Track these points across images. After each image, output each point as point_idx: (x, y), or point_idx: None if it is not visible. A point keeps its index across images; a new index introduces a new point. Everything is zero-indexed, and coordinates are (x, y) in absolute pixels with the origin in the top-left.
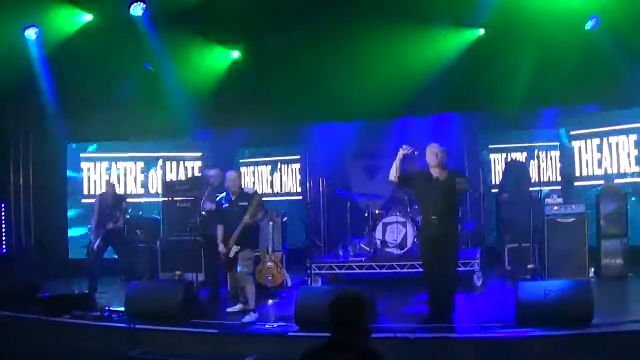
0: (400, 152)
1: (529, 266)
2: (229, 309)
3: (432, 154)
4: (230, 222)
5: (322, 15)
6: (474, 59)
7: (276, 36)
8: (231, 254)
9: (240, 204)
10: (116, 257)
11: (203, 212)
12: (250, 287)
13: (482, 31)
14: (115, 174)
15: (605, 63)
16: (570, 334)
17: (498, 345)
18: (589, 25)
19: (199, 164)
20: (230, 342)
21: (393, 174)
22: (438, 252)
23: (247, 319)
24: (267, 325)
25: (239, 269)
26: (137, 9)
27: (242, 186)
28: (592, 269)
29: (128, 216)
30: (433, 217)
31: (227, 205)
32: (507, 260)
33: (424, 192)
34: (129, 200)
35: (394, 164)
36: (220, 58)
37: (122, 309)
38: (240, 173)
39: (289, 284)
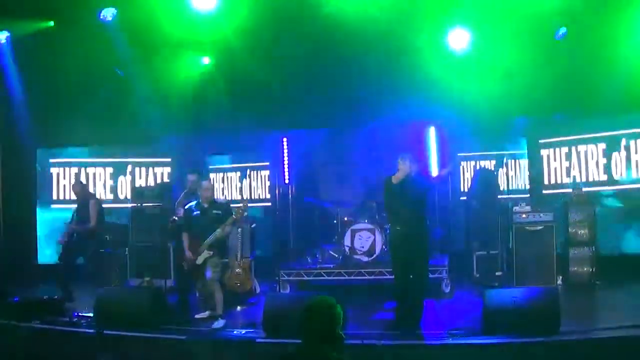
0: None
1: (497, 273)
2: (197, 315)
3: (403, 163)
4: (202, 229)
5: (292, 24)
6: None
7: (245, 43)
8: (199, 261)
9: (213, 212)
10: (85, 262)
11: (175, 218)
12: (219, 293)
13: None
14: (84, 180)
15: (574, 73)
16: (537, 342)
17: (466, 352)
18: (557, 35)
19: (168, 170)
20: (198, 348)
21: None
22: (408, 258)
23: (215, 325)
24: (235, 332)
25: (207, 275)
26: (107, 15)
27: (215, 195)
28: (560, 277)
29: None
30: (404, 224)
31: (198, 212)
32: (476, 267)
33: (394, 199)
34: None
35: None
36: (190, 64)
37: (91, 314)
38: (212, 183)
39: (258, 290)
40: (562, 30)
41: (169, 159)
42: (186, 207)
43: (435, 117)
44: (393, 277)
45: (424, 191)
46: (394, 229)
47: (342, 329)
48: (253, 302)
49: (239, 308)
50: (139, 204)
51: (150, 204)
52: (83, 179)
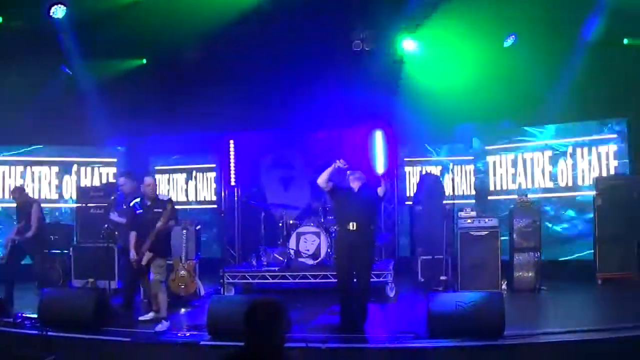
0: (336, 164)
1: (442, 278)
2: (141, 317)
3: (354, 178)
4: (144, 228)
5: (236, 24)
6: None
7: (193, 45)
8: (144, 261)
9: (155, 210)
10: (31, 262)
11: (106, 226)
12: (163, 295)
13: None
14: (30, 179)
15: (521, 81)
16: (481, 345)
17: (409, 356)
18: (507, 42)
19: (113, 170)
20: (142, 351)
21: (324, 179)
22: (354, 262)
23: (159, 327)
24: (179, 334)
25: (151, 277)
26: (57, 12)
27: (158, 193)
28: (505, 282)
29: (48, 220)
30: (351, 227)
31: (141, 211)
32: (420, 271)
33: (343, 203)
34: (43, 205)
35: (326, 171)
36: (134, 64)
37: (35, 315)
38: (155, 179)
39: (202, 292)
40: (512, 37)
41: (115, 159)
42: (131, 204)
43: (381, 122)
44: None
45: (374, 198)
46: (343, 231)
47: (285, 330)
48: (197, 304)
49: (183, 310)
50: (84, 204)
51: (95, 205)
52: (28, 178)
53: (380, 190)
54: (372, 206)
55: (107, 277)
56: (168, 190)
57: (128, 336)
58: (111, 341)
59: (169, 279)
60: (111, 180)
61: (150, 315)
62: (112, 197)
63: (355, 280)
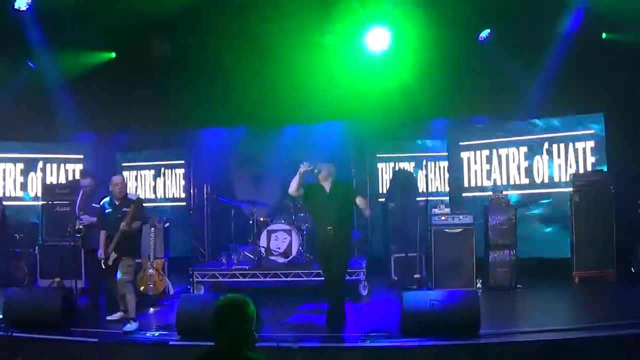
0: (302, 169)
1: (416, 276)
2: (109, 317)
3: (325, 170)
4: (113, 227)
5: (209, 17)
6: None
7: (160, 38)
8: (110, 261)
9: (123, 209)
10: None
11: (80, 227)
12: (131, 295)
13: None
14: None
15: (496, 75)
16: (455, 344)
17: (384, 355)
18: (482, 35)
19: (80, 166)
20: (110, 351)
21: (294, 187)
22: (331, 260)
23: (127, 327)
24: (148, 334)
25: (118, 276)
26: (22, 3)
27: (127, 191)
28: (480, 280)
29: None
30: (329, 227)
31: (110, 210)
32: (394, 270)
33: (319, 205)
34: (5, 203)
35: (295, 179)
36: (101, 58)
37: (0, 316)
38: (124, 178)
39: (171, 292)
40: (486, 32)
41: (81, 156)
42: (100, 203)
43: (353, 118)
44: (313, 278)
45: (348, 198)
46: (321, 233)
47: (256, 328)
48: (166, 304)
49: (151, 310)
50: (49, 202)
51: (61, 202)
52: None
53: (365, 212)
54: (346, 206)
55: (74, 276)
56: (136, 188)
57: (95, 337)
58: (78, 342)
59: (137, 278)
60: (77, 177)
61: (118, 315)
62: (79, 196)
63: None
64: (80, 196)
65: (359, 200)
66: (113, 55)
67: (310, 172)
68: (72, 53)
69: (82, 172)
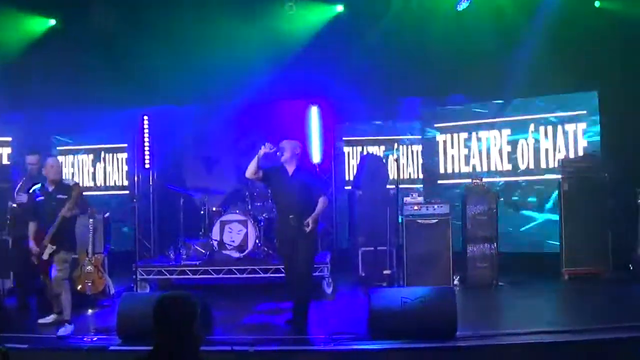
0: (262, 150)
1: (385, 272)
2: (40, 320)
3: (289, 150)
4: (46, 217)
5: None
6: (331, 38)
7: (103, 8)
8: (45, 256)
9: (58, 196)
10: None
11: (14, 205)
12: (66, 294)
13: (340, 8)
14: None
15: (477, 49)
16: (430, 348)
17: (349, 359)
18: (461, 6)
19: (8, 150)
20: (43, 358)
21: (252, 171)
22: (293, 256)
23: (62, 331)
24: (85, 339)
25: (53, 273)
26: None
27: (63, 176)
28: (457, 277)
29: None
30: (290, 216)
31: (42, 197)
32: (361, 265)
33: (280, 190)
34: None
35: (253, 161)
36: (35, 29)
37: None
38: (59, 161)
39: (112, 291)
40: (466, 3)
41: (9, 138)
42: (30, 190)
43: (317, 96)
44: (272, 275)
45: (311, 184)
46: (281, 221)
47: (204, 329)
48: (106, 304)
49: (89, 311)
50: None
51: None
52: None
53: (321, 201)
54: (310, 193)
55: (0, 274)
56: (72, 174)
57: (26, 342)
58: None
59: (74, 276)
60: (5, 161)
61: (52, 317)
62: (23, 178)
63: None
64: (23, 180)
65: (320, 206)
66: (51, 23)
67: (273, 154)
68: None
69: (30, 150)
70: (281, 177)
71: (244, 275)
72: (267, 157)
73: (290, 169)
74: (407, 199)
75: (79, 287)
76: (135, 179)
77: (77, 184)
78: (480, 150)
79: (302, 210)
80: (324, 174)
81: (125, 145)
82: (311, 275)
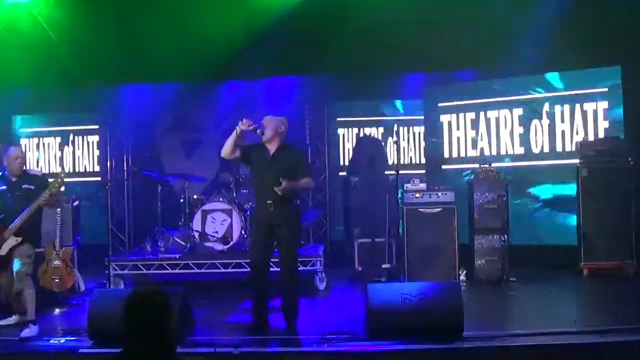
0: (239, 127)
1: (384, 266)
2: (1, 322)
3: (271, 127)
4: (8, 209)
5: None
6: (313, 10)
7: None
8: (4, 251)
9: (24, 187)
10: None
11: None
12: (30, 292)
13: None
14: None
15: (487, 20)
16: (434, 349)
17: None
18: None
19: None
20: None
21: (227, 150)
22: (271, 245)
23: (25, 333)
24: (52, 341)
25: (15, 268)
26: None
27: (27, 166)
28: (463, 271)
29: None
30: (268, 201)
31: (4, 188)
32: (357, 258)
33: (259, 172)
34: None
35: (230, 139)
36: None
37: None
38: (22, 151)
39: (82, 288)
40: None
41: None
42: None
43: (306, 73)
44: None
45: (296, 165)
46: (258, 206)
47: (176, 329)
48: (76, 302)
49: (57, 311)
50: None
51: None
52: None
53: (305, 180)
54: (293, 177)
55: None
56: (37, 161)
57: None
58: None
59: (39, 271)
60: None
61: (14, 318)
62: None
63: (272, 269)
64: None
65: (303, 182)
66: None
67: (253, 132)
68: None
69: None
70: (260, 157)
71: (229, 270)
72: (248, 136)
73: (272, 147)
74: (408, 186)
75: (45, 283)
76: (108, 164)
77: (61, 175)
78: (489, 131)
79: (281, 196)
80: (315, 158)
81: (97, 127)
82: (296, 268)
